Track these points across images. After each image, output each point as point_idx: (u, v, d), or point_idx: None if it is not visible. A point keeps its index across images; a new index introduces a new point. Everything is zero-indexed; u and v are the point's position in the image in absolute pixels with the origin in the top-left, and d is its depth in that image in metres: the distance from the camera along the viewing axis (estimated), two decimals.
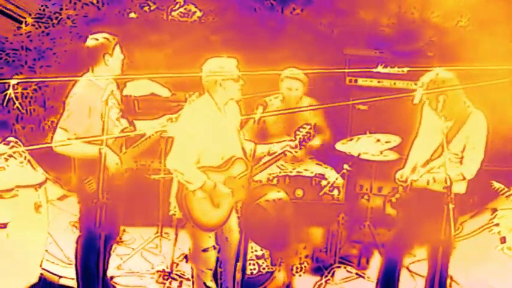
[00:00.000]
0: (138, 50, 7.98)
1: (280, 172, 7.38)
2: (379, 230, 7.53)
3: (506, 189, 7.49)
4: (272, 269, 6.88)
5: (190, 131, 6.17)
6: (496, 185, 7.46)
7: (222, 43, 8.44)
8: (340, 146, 7.29)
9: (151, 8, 8.79)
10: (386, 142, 7.19)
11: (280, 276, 6.98)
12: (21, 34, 8.58)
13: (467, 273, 7.09)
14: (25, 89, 8.37)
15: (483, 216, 7.88)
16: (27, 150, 6.73)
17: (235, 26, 8.66)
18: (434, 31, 8.54)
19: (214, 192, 6.22)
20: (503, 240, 7.32)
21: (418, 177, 6.18)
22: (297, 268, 7.08)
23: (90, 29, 7.51)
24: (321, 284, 7.17)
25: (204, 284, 6.42)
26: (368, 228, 7.57)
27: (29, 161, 6.79)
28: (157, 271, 7.21)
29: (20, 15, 8.58)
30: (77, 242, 6.44)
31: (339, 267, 7.34)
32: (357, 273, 7.36)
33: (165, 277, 7.12)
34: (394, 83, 8.16)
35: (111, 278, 6.96)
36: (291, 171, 7.43)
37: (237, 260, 6.14)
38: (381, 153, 7.33)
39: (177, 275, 7.13)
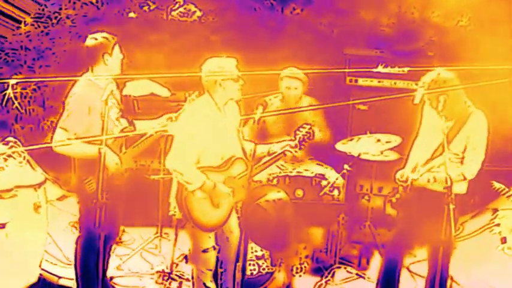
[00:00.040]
0: (137, 49, 7.97)
1: (280, 172, 7.37)
2: (380, 230, 7.51)
3: (506, 189, 7.48)
4: (272, 269, 6.87)
5: (190, 131, 6.16)
6: (497, 185, 7.46)
7: (222, 43, 8.43)
8: (340, 146, 7.28)
9: (151, 8, 8.78)
10: (387, 142, 7.18)
11: (280, 276, 6.97)
12: (20, 34, 8.57)
13: (468, 274, 7.08)
14: (24, 88, 8.36)
15: (484, 217, 7.87)
16: (26, 150, 6.72)
17: (235, 25, 8.65)
18: (435, 31, 8.53)
19: (214, 193, 6.21)
20: (503, 240, 7.31)
21: (418, 176, 6.17)
22: (297, 268, 7.07)
23: (90, 28, 7.50)
24: (321, 284, 7.16)
25: (204, 284, 6.40)
26: (368, 229, 7.56)
27: (28, 161, 6.77)
28: (157, 271, 7.19)
29: (19, 16, 8.57)
30: (76, 243, 6.43)
31: (339, 267, 7.34)
32: (357, 274, 7.35)
33: (165, 277, 7.10)
34: (395, 83, 8.15)
35: (111, 278, 6.95)
36: (291, 172, 7.41)
37: (237, 261, 6.13)
38: (381, 153, 7.32)
39: (176, 275, 7.12)
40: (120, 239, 7.38)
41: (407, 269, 7.11)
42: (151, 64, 8.07)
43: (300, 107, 7.46)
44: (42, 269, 6.84)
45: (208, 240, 6.32)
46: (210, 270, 6.39)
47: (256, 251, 6.82)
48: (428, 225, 6.06)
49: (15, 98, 7.88)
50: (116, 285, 6.99)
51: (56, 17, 8.67)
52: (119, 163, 6.22)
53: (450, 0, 8.43)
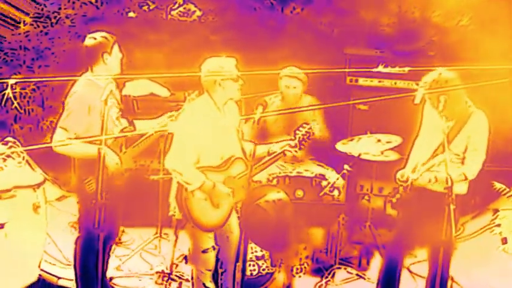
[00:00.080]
0: (137, 49, 7.96)
1: (280, 172, 7.35)
2: (380, 230, 7.52)
3: (507, 189, 7.48)
4: (272, 269, 6.86)
5: (189, 131, 6.15)
6: (498, 185, 7.46)
7: (222, 43, 8.42)
8: (340, 146, 7.26)
9: (151, 8, 8.78)
10: (387, 142, 7.17)
11: (280, 277, 6.95)
12: (19, 34, 8.57)
13: (469, 274, 7.07)
14: (23, 88, 8.36)
15: (484, 217, 7.87)
16: (25, 150, 6.71)
17: (235, 25, 8.65)
18: (435, 30, 8.52)
19: (213, 193, 6.20)
20: (504, 241, 7.31)
21: (418, 175, 6.17)
22: (297, 269, 7.05)
23: (89, 28, 7.50)
24: (321, 285, 7.15)
25: (204, 285, 6.40)
26: (369, 229, 7.56)
27: (27, 161, 6.77)
28: (157, 272, 7.18)
29: (18, 17, 8.56)
30: (75, 243, 6.41)
31: (340, 268, 7.32)
32: (357, 274, 7.34)
33: (165, 278, 7.09)
34: (395, 83, 8.14)
35: (110, 279, 6.94)
36: (291, 172, 7.40)
37: (236, 261, 6.12)
38: (382, 153, 7.30)
39: (176, 276, 7.10)
40: (119, 239, 7.37)
41: (408, 269, 7.10)
42: (150, 64, 8.06)
43: (300, 107, 7.44)
44: (42, 270, 6.83)
45: (208, 241, 6.31)
46: (210, 270, 6.39)
47: (256, 252, 6.81)
48: (428, 225, 6.05)
49: (15, 98, 7.88)
50: (115, 286, 6.98)
51: (55, 17, 8.67)
52: (119, 163, 6.21)
53: (451, 0, 8.42)
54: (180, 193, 6.20)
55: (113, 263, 6.99)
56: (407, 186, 6.21)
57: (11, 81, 6.24)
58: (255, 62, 6.48)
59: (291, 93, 7.48)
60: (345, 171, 7.14)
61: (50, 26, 8.65)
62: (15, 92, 7.97)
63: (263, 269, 6.83)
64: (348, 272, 7.35)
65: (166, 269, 7.19)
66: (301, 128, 6.44)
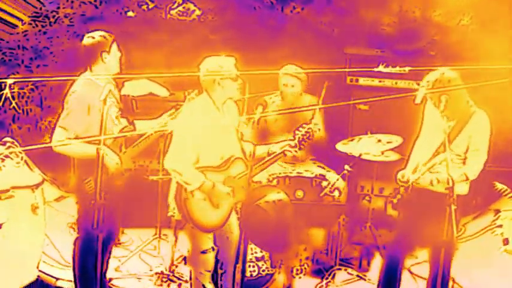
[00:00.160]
0: (136, 49, 7.90)
1: (280, 173, 7.33)
2: (381, 231, 7.52)
3: (509, 190, 7.47)
4: (272, 271, 6.85)
5: (189, 131, 6.13)
6: (499, 186, 7.45)
7: (222, 42, 8.41)
8: (341, 146, 7.25)
9: (150, 7, 8.78)
10: (388, 142, 7.16)
11: (280, 278, 6.94)
12: (17, 33, 8.55)
13: (470, 276, 7.05)
14: (22, 88, 8.37)
15: (486, 218, 7.88)
16: (23, 150, 6.69)
17: (235, 24, 8.64)
18: (436, 30, 8.51)
19: (213, 193, 6.18)
20: (506, 241, 7.30)
21: (419, 175, 6.15)
22: (297, 270, 7.03)
23: (88, 27, 7.48)
24: (322, 286, 7.14)
25: (203, 286, 6.38)
26: (369, 230, 7.56)
27: (25, 161, 6.75)
28: (156, 273, 7.17)
29: (16, 18, 8.55)
30: (74, 244, 6.39)
31: (340, 269, 7.31)
32: (357, 275, 7.32)
33: (164, 279, 7.08)
34: (396, 83, 8.13)
35: (109, 280, 6.91)
36: (291, 172, 7.38)
37: (236, 262, 6.11)
38: (382, 153, 7.29)
39: (175, 277, 7.09)
40: (118, 240, 7.35)
41: (409, 270, 7.09)
42: (150, 63, 8.03)
43: (300, 107, 7.41)
44: (40, 271, 6.80)
45: (208, 241, 6.29)
46: (209, 271, 6.37)
47: (256, 252, 6.80)
48: (429, 226, 6.05)
49: (13, 97, 7.84)
50: (114, 287, 6.96)
51: (53, 16, 8.67)
52: (119, 163, 6.19)
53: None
54: (180, 194, 6.18)
55: (111, 263, 6.95)
56: (408, 186, 6.19)
57: (9, 81, 6.21)
58: (255, 61, 6.45)
59: (289, 92, 7.46)
60: (345, 171, 7.12)
61: (49, 25, 8.65)
62: (14, 92, 7.91)
63: (263, 270, 6.83)
64: (348, 273, 7.33)
65: (166, 270, 7.19)
66: (300, 128, 6.43)
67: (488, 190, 7.42)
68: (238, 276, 6.00)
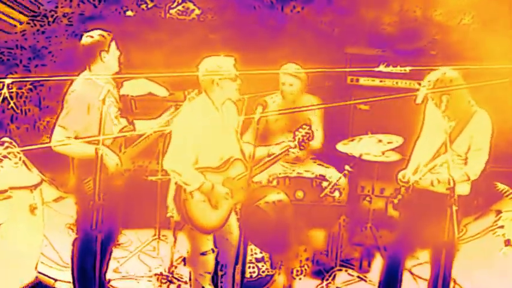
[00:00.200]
0: (135, 48, 7.89)
1: (280, 173, 7.31)
2: (381, 232, 7.50)
3: (510, 190, 7.47)
4: (272, 272, 6.84)
5: (188, 131, 6.11)
6: (500, 186, 7.46)
7: (221, 42, 8.42)
8: (341, 146, 7.23)
9: (149, 6, 8.78)
10: (389, 143, 7.14)
11: (280, 279, 6.93)
12: (15, 32, 8.54)
13: (471, 277, 7.05)
14: (20, 88, 8.36)
15: (487, 218, 7.89)
16: (22, 151, 6.67)
17: (235, 24, 8.64)
18: (437, 29, 8.50)
19: (212, 194, 6.15)
20: (507, 242, 7.30)
21: (420, 176, 6.14)
22: (297, 271, 7.00)
23: (86, 27, 7.48)
24: (322, 287, 7.12)
25: (203, 287, 6.32)
26: (370, 231, 7.54)
27: (24, 162, 6.73)
28: (155, 274, 7.15)
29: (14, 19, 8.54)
30: (73, 245, 6.37)
31: (340, 270, 7.29)
32: (358, 276, 7.30)
33: (163, 280, 7.06)
34: (396, 83, 8.11)
35: (108, 281, 6.87)
36: (291, 172, 7.36)
37: (236, 263, 6.09)
38: (383, 154, 7.27)
39: (175, 278, 7.07)
40: (117, 240, 7.32)
41: (410, 271, 7.09)
42: (149, 63, 8.02)
43: (300, 107, 7.39)
44: (38, 272, 6.77)
45: (207, 243, 6.27)
46: (209, 273, 6.35)
47: (255, 253, 6.79)
48: (430, 227, 6.03)
49: (11, 97, 7.83)
50: None
51: (52, 16, 8.67)
52: (119, 163, 6.17)
53: None
54: (179, 194, 6.17)
55: (110, 264, 6.93)
56: (409, 187, 6.17)
57: (7, 81, 6.23)
58: (255, 61, 6.44)
59: (287, 90, 7.42)
60: (345, 172, 7.10)
61: (47, 24, 8.65)
62: (12, 92, 7.93)
63: (263, 271, 6.81)
64: (348, 274, 7.31)
65: (165, 271, 7.17)
66: (300, 129, 6.44)
67: (490, 191, 7.44)
68: (238, 277, 5.99)
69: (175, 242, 7.16)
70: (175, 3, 8.79)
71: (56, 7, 8.67)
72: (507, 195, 7.49)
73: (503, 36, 7.91)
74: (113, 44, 6.22)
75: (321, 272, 7.23)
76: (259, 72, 6.22)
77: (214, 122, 6.16)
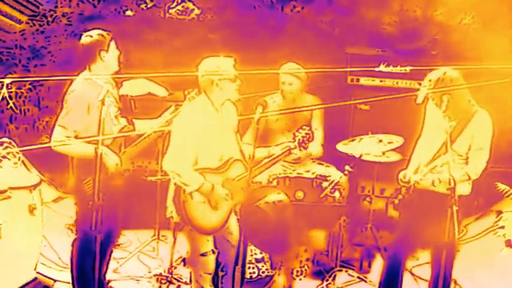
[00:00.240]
0: (134, 48, 7.89)
1: (280, 173, 7.30)
2: (382, 232, 7.50)
3: (511, 191, 7.45)
4: (272, 272, 6.85)
5: (187, 131, 6.10)
6: (501, 186, 7.46)
7: (221, 42, 8.42)
8: (341, 146, 7.22)
9: (148, 6, 8.77)
10: (389, 143, 7.13)
11: (280, 280, 6.93)
12: (15, 32, 8.53)
13: (472, 277, 7.04)
14: (19, 88, 8.37)
15: (488, 219, 7.88)
16: (21, 151, 6.66)
17: (234, 24, 8.63)
18: (438, 29, 8.50)
19: (212, 195, 6.14)
20: (508, 243, 7.29)
21: (421, 176, 6.14)
22: (297, 272, 7.00)
23: (86, 26, 7.46)
24: (322, 287, 7.08)
25: None
26: (370, 231, 7.54)
27: (23, 162, 6.72)
28: (155, 275, 7.14)
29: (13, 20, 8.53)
30: (72, 245, 6.37)
31: (341, 270, 7.28)
32: (358, 277, 7.30)
33: (163, 281, 7.05)
34: (397, 82, 8.10)
35: (108, 282, 6.86)
36: (291, 173, 7.35)
37: (236, 263, 6.07)
38: (384, 154, 7.26)
39: (174, 278, 7.07)
40: (117, 241, 7.31)
41: (410, 272, 7.08)
42: (148, 63, 8.02)
43: (300, 107, 7.39)
44: (38, 272, 6.77)
45: (207, 244, 6.26)
46: (209, 274, 6.34)
47: (255, 254, 6.80)
48: (431, 227, 6.04)
49: (10, 97, 7.77)
50: None
51: (51, 15, 8.66)
52: (119, 163, 6.15)
53: None
54: (178, 195, 6.16)
55: (110, 265, 6.93)
56: (410, 187, 6.16)
57: (6, 81, 6.19)
58: (255, 61, 6.43)
59: (287, 90, 7.42)
60: (346, 172, 7.08)
61: (46, 24, 8.64)
62: (11, 92, 7.89)
63: (263, 272, 6.82)
64: (349, 274, 7.31)
65: (165, 271, 7.17)
66: (300, 130, 6.44)
67: (491, 191, 7.43)
68: (238, 277, 5.96)
69: (174, 242, 7.15)
70: (175, 3, 8.79)
71: (55, 7, 8.66)
72: (508, 196, 7.48)
73: (503, 36, 7.91)
74: (113, 43, 6.21)
75: (321, 272, 7.22)
76: (259, 72, 6.21)
77: (213, 122, 6.15)
